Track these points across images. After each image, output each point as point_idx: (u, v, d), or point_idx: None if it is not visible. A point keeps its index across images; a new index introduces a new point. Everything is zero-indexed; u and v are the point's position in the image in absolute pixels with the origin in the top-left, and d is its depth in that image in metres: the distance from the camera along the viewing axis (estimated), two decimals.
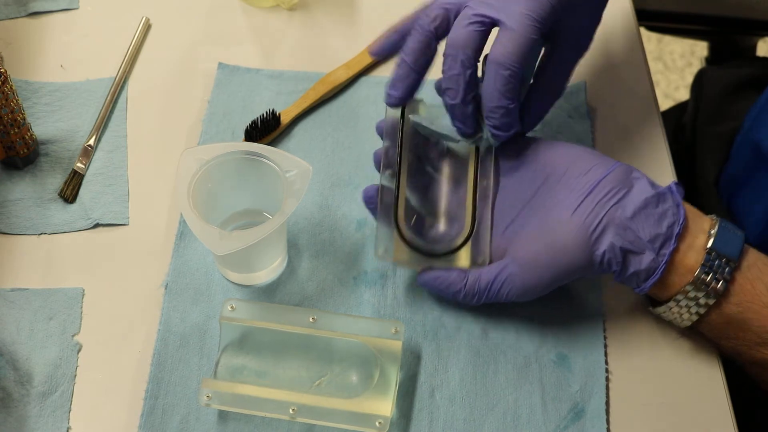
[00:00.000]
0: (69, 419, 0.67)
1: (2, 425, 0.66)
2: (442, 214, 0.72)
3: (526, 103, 0.72)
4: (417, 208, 0.72)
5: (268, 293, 0.73)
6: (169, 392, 0.68)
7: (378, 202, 0.70)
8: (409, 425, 0.67)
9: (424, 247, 0.70)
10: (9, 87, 0.73)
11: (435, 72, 0.70)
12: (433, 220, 0.72)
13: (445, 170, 0.74)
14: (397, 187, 0.69)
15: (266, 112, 0.80)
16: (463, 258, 0.69)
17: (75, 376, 0.69)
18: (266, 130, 0.80)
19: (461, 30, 0.67)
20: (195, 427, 0.66)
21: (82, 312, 0.72)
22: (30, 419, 0.66)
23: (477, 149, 0.71)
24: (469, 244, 0.69)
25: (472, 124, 0.70)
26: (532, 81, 0.72)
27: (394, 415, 0.67)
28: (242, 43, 0.88)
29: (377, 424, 0.65)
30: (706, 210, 0.68)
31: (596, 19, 0.74)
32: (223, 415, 0.67)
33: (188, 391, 0.68)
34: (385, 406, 0.65)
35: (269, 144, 0.81)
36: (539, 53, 0.72)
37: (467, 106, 0.68)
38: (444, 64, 0.68)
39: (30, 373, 0.68)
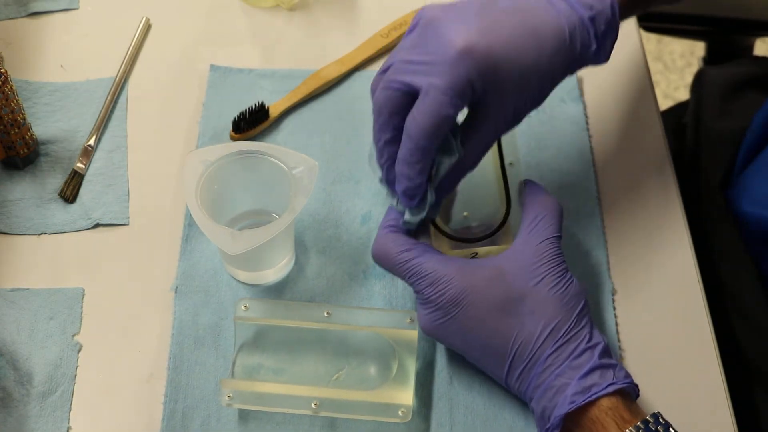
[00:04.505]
0: (69, 419, 0.67)
1: (2, 425, 0.66)
2: (473, 199, 0.71)
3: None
4: (447, 197, 0.71)
5: (278, 291, 0.73)
6: (188, 395, 0.68)
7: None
8: (431, 413, 0.67)
9: (465, 235, 0.69)
10: (9, 87, 0.73)
11: None
12: (465, 207, 0.71)
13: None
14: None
15: (255, 104, 0.80)
16: (504, 237, 0.69)
17: (75, 376, 0.69)
18: (254, 122, 0.80)
19: (379, 93, 0.63)
20: (216, 429, 0.66)
21: (82, 312, 0.72)
22: (30, 419, 0.66)
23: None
24: (509, 222, 0.68)
25: (393, 191, 0.67)
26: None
27: (415, 403, 0.67)
28: (242, 43, 0.88)
29: (400, 413, 0.65)
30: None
31: (533, 103, 0.66)
32: (243, 415, 0.67)
33: (206, 393, 0.68)
34: (406, 395, 0.66)
35: (258, 136, 0.81)
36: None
37: (387, 171, 0.66)
38: None
39: (30, 373, 0.68)
